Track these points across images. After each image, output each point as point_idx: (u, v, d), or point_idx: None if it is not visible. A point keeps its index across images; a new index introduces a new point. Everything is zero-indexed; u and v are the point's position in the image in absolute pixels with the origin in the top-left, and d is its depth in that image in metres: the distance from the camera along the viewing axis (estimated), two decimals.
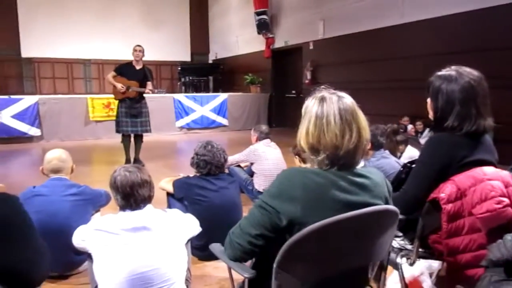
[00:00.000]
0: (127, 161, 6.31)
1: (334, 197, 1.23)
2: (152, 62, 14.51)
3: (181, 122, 10.53)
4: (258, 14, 11.10)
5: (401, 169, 1.96)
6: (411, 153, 5.17)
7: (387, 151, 3.49)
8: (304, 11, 10.03)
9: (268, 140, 4.30)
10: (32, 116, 8.78)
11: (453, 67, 1.82)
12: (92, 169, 6.42)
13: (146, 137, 9.66)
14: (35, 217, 2.45)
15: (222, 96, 11.02)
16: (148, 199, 1.94)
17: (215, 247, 1.49)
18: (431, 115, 1.86)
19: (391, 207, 1.30)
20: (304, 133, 1.31)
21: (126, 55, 13.71)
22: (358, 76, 8.41)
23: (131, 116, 6.05)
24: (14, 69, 12.89)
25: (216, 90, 13.66)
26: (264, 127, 4.36)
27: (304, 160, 3.30)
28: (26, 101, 8.80)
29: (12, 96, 9.14)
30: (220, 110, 10.95)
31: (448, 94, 1.74)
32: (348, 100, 1.32)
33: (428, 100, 1.87)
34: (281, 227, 1.23)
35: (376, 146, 3.41)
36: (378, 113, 7.94)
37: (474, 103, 1.72)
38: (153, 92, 6.34)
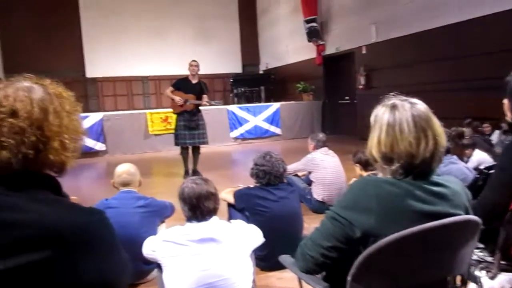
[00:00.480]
0: (186, 172, 6.51)
1: (411, 208, 1.18)
2: (205, 75, 14.91)
3: (235, 133, 10.69)
4: (307, 22, 11.08)
5: (477, 175, 1.84)
6: (479, 157, 4.88)
7: (454, 156, 3.31)
8: (354, 15, 9.87)
9: (325, 148, 4.25)
10: (97, 132, 9.33)
11: None
12: (153, 181, 6.66)
13: (202, 149, 9.95)
14: None
15: (275, 106, 11.07)
16: (213, 211, 1.98)
17: (286, 259, 1.48)
18: (509, 116, 1.75)
19: (472, 217, 1.23)
20: (375, 142, 1.27)
21: (181, 71, 14.24)
22: (415, 78, 8.10)
23: (189, 129, 6.24)
24: (80, 89, 13.78)
25: (268, 100, 13.76)
26: (321, 135, 4.32)
27: (365, 168, 3.22)
28: (92, 118, 9.37)
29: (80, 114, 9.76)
30: (273, 119, 11.00)
31: None
32: (421, 106, 1.27)
33: (505, 101, 1.75)
34: (354, 239, 1.20)
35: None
36: (439, 116, 7.60)
37: None
38: (210, 104, 6.50)
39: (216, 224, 1.98)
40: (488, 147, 5.47)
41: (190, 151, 6.55)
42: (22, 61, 11.91)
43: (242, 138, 10.75)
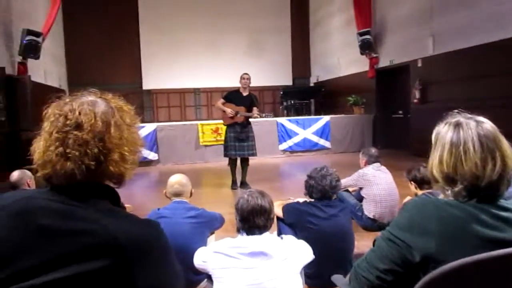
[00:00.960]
0: (234, 182, 6.63)
1: (475, 233, 1.10)
2: (255, 87, 15.05)
3: (284, 145, 10.67)
4: (361, 34, 10.92)
5: None
6: None
7: None
8: (411, 27, 9.59)
9: (378, 164, 4.11)
10: (151, 142, 9.69)
11: None
12: (202, 191, 6.77)
13: (251, 160, 10.04)
14: None
15: (325, 119, 10.95)
16: (264, 228, 1.98)
17: (338, 279, 1.44)
18: None
19: None
20: (437, 162, 1.20)
21: (232, 83, 14.53)
22: (473, 93, 7.70)
23: (239, 141, 6.33)
24: (137, 100, 14.45)
25: (318, 112, 13.65)
26: (373, 150, 4.19)
27: (420, 187, 3.08)
28: (147, 128, 9.74)
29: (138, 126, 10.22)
30: (323, 132, 10.87)
31: None
32: (488, 125, 1.19)
33: None
34: (413, 264, 1.14)
35: None
36: (502, 134, 7.16)
37: None
38: (260, 117, 6.57)
39: (267, 239, 1.97)
40: None
41: (238, 162, 6.62)
42: (85, 74, 12.75)
43: (291, 150, 10.71)
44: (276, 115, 14.72)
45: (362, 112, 11.49)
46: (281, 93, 14.11)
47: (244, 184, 6.60)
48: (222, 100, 6.46)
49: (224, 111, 6.33)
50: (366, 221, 4.00)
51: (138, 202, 5.85)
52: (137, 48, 14.34)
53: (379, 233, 1.30)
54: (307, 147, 10.77)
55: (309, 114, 13.46)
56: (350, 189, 4.33)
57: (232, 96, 6.42)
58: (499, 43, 7.10)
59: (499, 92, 7.16)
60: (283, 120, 10.78)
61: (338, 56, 13.45)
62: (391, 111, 11.12)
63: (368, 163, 4.14)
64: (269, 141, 10.54)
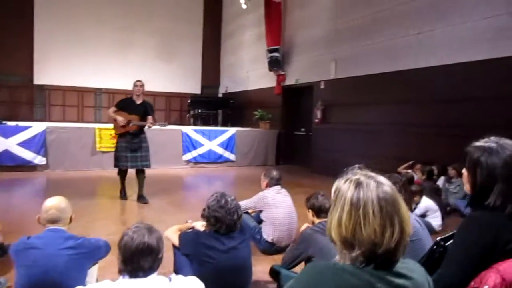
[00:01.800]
0: (123, 193, 6.30)
1: None
2: (162, 93, 14.66)
3: (188, 156, 10.39)
4: (270, 51, 11.17)
5: (434, 247, 1.75)
6: (426, 204, 4.96)
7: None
8: (316, 50, 10.05)
9: (278, 187, 4.11)
10: (38, 144, 8.71)
11: (492, 138, 1.66)
12: (94, 203, 6.21)
13: (152, 170, 9.54)
14: (28, 271, 2.29)
15: (231, 131, 10.92)
16: (149, 270, 1.75)
17: None
18: (467, 188, 1.69)
19: None
20: (336, 224, 1.12)
21: None
22: (370, 118, 8.30)
23: (131, 151, 6.01)
24: (26, 96, 13.01)
25: (225, 124, 13.62)
26: (275, 173, 4.18)
27: (317, 215, 3.10)
28: (34, 129, 8.75)
29: (20, 124, 9.12)
30: (228, 145, 10.83)
31: (489, 169, 1.57)
32: (388, 187, 1.14)
33: (464, 171, 1.70)
34: None
35: None
36: (390, 156, 7.79)
37: None
38: (153, 126, 6.13)
39: (152, 282, 1.75)
40: (436, 195, 5.58)
41: (132, 172, 6.24)
42: None
43: (195, 161, 10.47)
44: (182, 123, 14.40)
45: (268, 127, 11.71)
46: (189, 101, 13.82)
47: (141, 198, 6.22)
48: (113, 108, 6.10)
49: (115, 120, 5.97)
50: (264, 245, 3.96)
51: (16, 215, 5.14)
52: (30, 38, 12.90)
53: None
54: (212, 159, 10.63)
55: (216, 125, 13.37)
56: (250, 211, 4.26)
57: (124, 103, 6.09)
58: (391, 74, 7.74)
59: (391, 118, 7.79)
60: (188, 130, 10.50)
61: (248, 69, 13.61)
62: (295, 128, 11.52)
63: (269, 185, 4.12)
64: (173, 151, 10.19)
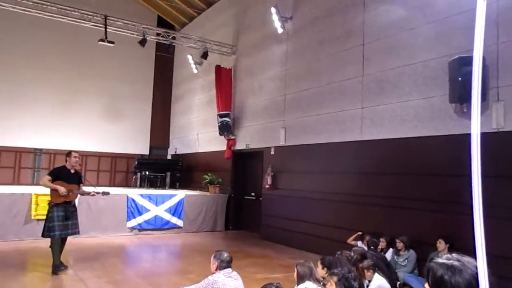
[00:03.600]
0: (56, 266, 5.99)
1: None
2: (107, 154, 14.18)
3: (133, 222, 9.87)
4: (220, 116, 11.28)
5: None
6: (379, 282, 4.90)
7: None
8: (266, 118, 10.28)
9: (229, 270, 3.91)
10: None
11: (454, 255, 1.67)
12: (23, 284, 5.58)
13: (93, 239, 8.97)
14: None
15: (179, 196, 10.59)
16: None
17: None
18: None
19: None
20: None
21: (81, 146, 13.40)
22: (318, 186, 8.41)
23: (65, 219, 6.04)
24: None
25: (173, 186, 13.27)
26: (225, 255, 3.98)
27: None
28: None
29: None
30: (176, 210, 10.45)
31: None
32: None
33: (426, 286, 1.66)
34: None
35: None
36: (338, 226, 7.84)
37: None
38: (96, 195, 6.48)
39: None
40: (386, 270, 5.58)
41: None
42: None
43: (140, 228, 9.94)
44: (127, 185, 13.86)
45: (217, 191, 11.52)
46: (136, 163, 13.44)
47: (61, 265, 6.08)
48: (49, 177, 6.12)
49: (55, 190, 5.97)
50: None
51: None
52: None
53: None
54: (158, 225, 10.16)
55: (164, 187, 13.00)
56: None
57: (60, 173, 6.14)
58: (338, 144, 8.00)
59: (339, 187, 7.93)
60: (134, 194, 10.06)
61: (198, 132, 13.60)
62: (245, 192, 11.42)
63: (219, 268, 3.90)
64: (117, 217, 9.66)
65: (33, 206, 8.59)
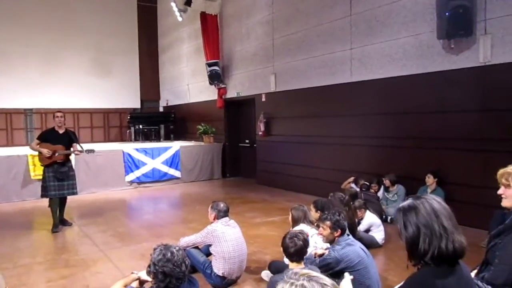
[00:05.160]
0: (55, 225, 6.24)
1: None
2: (99, 109, 14.12)
3: (131, 176, 10.06)
4: (209, 65, 11.11)
5: None
6: (370, 220, 5.16)
7: (350, 236, 3.39)
8: (255, 64, 10.16)
9: (227, 219, 4.08)
10: None
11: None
12: (30, 242, 5.81)
13: (93, 195, 9.18)
14: None
15: (174, 148, 10.72)
16: None
17: None
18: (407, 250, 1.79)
19: None
20: None
21: (72, 103, 13.32)
22: (311, 130, 8.52)
23: (58, 180, 6.17)
24: None
25: (167, 138, 13.36)
26: (222, 205, 4.14)
27: (290, 258, 3.10)
28: None
29: None
30: (172, 162, 10.62)
31: (411, 223, 1.71)
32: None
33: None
34: None
35: (343, 231, 3.31)
36: (331, 168, 8.05)
37: (438, 221, 1.69)
38: (81, 153, 6.45)
39: None
40: (377, 207, 5.84)
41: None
42: None
43: (138, 182, 10.16)
44: (122, 140, 13.94)
45: (212, 141, 11.64)
46: (129, 117, 13.41)
47: (64, 222, 6.45)
48: (36, 141, 6.22)
49: (40, 153, 6.10)
50: (215, 279, 3.92)
51: None
52: None
53: None
54: (156, 177, 10.37)
55: (159, 140, 13.09)
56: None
57: (47, 135, 6.23)
58: (328, 87, 8.01)
59: (330, 130, 8.05)
60: (130, 149, 10.16)
61: (188, 82, 13.46)
62: (239, 140, 11.55)
63: (217, 217, 4.08)
64: (115, 173, 9.83)
65: (31, 167, 8.70)
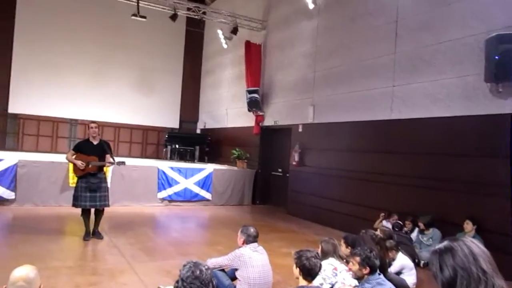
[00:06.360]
0: (87, 234, 6.34)
1: None
2: (139, 126, 14.58)
3: (163, 194, 10.23)
4: (249, 92, 11.31)
5: None
6: (402, 262, 4.97)
7: (382, 276, 3.28)
8: (295, 95, 10.26)
9: (255, 244, 4.06)
10: (9, 178, 8.44)
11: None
12: (61, 245, 5.98)
13: (126, 208, 9.36)
14: None
15: (208, 170, 10.85)
16: None
17: None
18: None
19: None
20: None
21: (114, 118, 13.86)
22: (345, 164, 8.42)
23: (90, 191, 6.22)
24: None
25: (202, 159, 13.56)
26: (252, 230, 4.13)
27: (305, 277, 3.03)
28: (5, 162, 8.47)
29: None
30: (205, 183, 10.73)
31: (448, 265, 1.64)
32: None
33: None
34: None
35: (372, 269, 3.21)
36: (363, 204, 7.88)
37: (476, 264, 1.61)
38: (112, 165, 6.51)
39: None
40: (410, 250, 5.63)
41: (92, 211, 6.44)
42: None
43: (170, 199, 10.30)
44: (158, 157, 14.27)
45: (245, 166, 11.71)
46: (166, 136, 13.77)
47: (96, 234, 6.45)
48: (72, 152, 6.33)
49: (74, 164, 6.21)
50: None
51: None
52: (8, 67, 12.73)
53: None
54: (188, 197, 10.49)
55: (193, 161, 13.30)
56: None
57: (82, 146, 6.34)
58: (368, 123, 7.94)
59: (366, 166, 7.92)
60: (164, 167, 10.38)
61: (227, 107, 13.73)
62: (272, 168, 11.56)
63: (246, 242, 4.06)
64: (148, 188, 10.03)
65: (70, 174, 9.00)
